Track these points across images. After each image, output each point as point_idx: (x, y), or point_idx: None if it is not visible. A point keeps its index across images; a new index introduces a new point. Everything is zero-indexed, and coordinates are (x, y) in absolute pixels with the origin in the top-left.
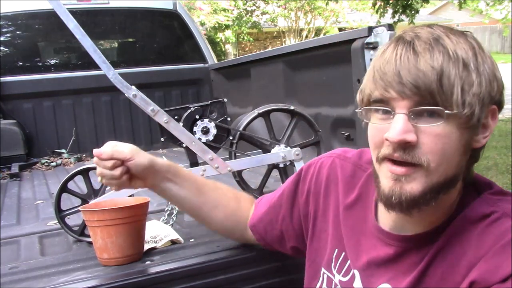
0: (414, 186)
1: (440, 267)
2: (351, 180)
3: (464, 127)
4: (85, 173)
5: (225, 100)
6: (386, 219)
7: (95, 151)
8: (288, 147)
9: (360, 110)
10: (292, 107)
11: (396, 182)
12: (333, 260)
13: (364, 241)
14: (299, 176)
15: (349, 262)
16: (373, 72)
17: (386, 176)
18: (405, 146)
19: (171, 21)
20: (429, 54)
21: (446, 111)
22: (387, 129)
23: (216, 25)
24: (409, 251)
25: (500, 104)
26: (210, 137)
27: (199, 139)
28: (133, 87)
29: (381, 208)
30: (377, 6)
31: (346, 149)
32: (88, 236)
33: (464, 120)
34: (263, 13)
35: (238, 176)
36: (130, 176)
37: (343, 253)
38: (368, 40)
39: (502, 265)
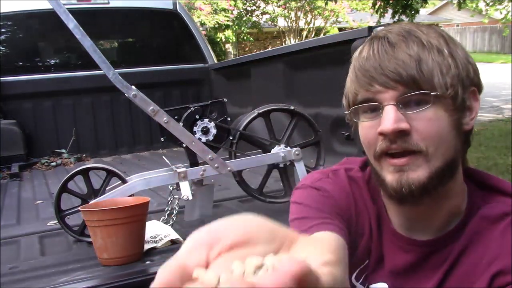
0: (420, 172)
1: (463, 266)
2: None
3: (452, 109)
4: (85, 173)
5: (225, 100)
6: (399, 219)
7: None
8: (288, 147)
9: (348, 112)
10: (292, 107)
11: (401, 174)
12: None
13: (385, 248)
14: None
15: (371, 270)
16: (354, 72)
17: (389, 171)
18: (400, 135)
19: (171, 21)
20: (404, 44)
21: (432, 93)
22: (378, 124)
23: (216, 25)
24: (431, 254)
25: (479, 86)
26: (210, 137)
27: (199, 139)
28: (133, 87)
29: (391, 208)
30: (377, 6)
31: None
32: (88, 236)
33: (450, 102)
34: (263, 13)
35: (238, 176)
36: None
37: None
38: None
39: None
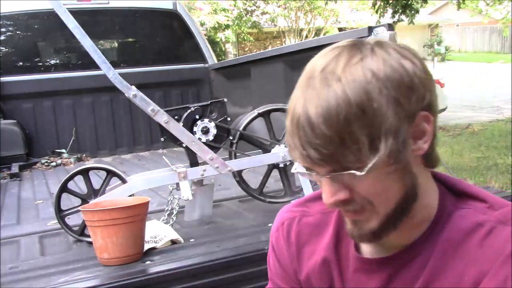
0: (372, 223)
1: (442, 283)
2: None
3: (391, 163)
4: (85, 173)
5: (225, 100)
6: (365, 244)
7: None
8: None
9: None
10: None
11: (355, 225)
12: None
13: (348, 278)
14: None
15: None
16: (288, 128)
17: (347, 220)
18: (342, 203)
19: (171, 21)
20: (322, 119)
21: (363, 173)
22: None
23: (216, 25)
24: (399, 271)
25: (429, 105)
26: (210, 137)
27: (199, 139)
28: (133, 87)
29: None
30: (377, 6)
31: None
32: (88, 236)
33: (385, 161)
34: (263, 13)
35: (238, 176)
36: None
37: None
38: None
39: (510, 276)
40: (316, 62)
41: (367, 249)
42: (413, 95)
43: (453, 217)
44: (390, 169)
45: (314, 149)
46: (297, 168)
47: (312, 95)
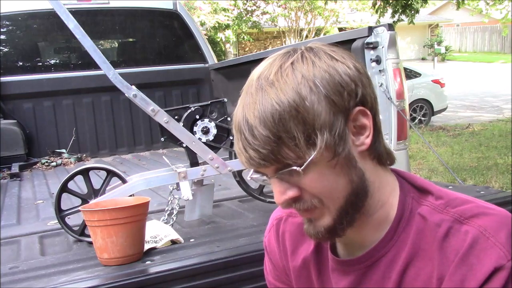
0: (325, 220)
1: (413, 283)
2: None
3: (332, 156)
4: (85, 173)
5: (225, 100)
6: (339, 245)
7: None
8: None
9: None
10: None
11: (310, 223)
12: None
13: (326, 279)
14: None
15: None
16: (235, 136)
17: (303, 218)
18: (292, 201)
19: (171, 21)
20: (258, 121)
21: (302, 168)
22: None
23: (216, 25)
24: (370, 270)
25: (363, 100)
26: (210, 137)
27: (199, 139)
28: (133, 87)
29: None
30: (377, 6)
31: None
32: (88, 236)
33: (326, 155)
34: (263, 13)
35: (238, 176)
36: None
37: None
38: (368, 40)
39: (467, 278)
40: (254, 72)
41: (341, 251)
42: (344, 91)
43: (414, 216)
44: (331, 163)
45: (254, 150)
46: (251, 173)
47: (249, 101)
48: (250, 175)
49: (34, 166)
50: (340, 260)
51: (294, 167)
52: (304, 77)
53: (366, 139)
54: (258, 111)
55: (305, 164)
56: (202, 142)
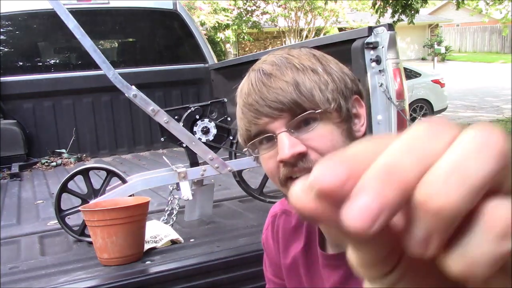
0: None
1: None
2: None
3: (339, 121)
4: (85, 173)
5: (225, 100)
6: (329, 242)
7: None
8: None
9: (247, 149)
10: None
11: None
12: None
13: (316, 274)
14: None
15: None
16: (240, 109)
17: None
18: (298, 158)
19: (171, 21)
20: (279, 72)
21: (317, 111)
22: (276, 153)
23: (216, 24)
24: None
25: (360, 93)
26: (210, 137)
27: (199, 139)
28: (133, 87)
29: (323, 232)
30: (377, 6)
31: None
32: (88, 236)
33: (336, 115)
34: (263, 13)
35: (238, 176)
36: None
37: None
38: (368, 40)
39: None
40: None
41: (330, 248)
42: (348, 78)
43: None
44: (339, 126)
45: (273, 100)
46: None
47: (268, 61)
48: (247, 148)
49: (34, 166)
50: (329, 255)
51: (310, 110)
52: (324, 56)
53: (362, 127)
54: (275, 63)
55: (319, 110)
56: (202, 142)
